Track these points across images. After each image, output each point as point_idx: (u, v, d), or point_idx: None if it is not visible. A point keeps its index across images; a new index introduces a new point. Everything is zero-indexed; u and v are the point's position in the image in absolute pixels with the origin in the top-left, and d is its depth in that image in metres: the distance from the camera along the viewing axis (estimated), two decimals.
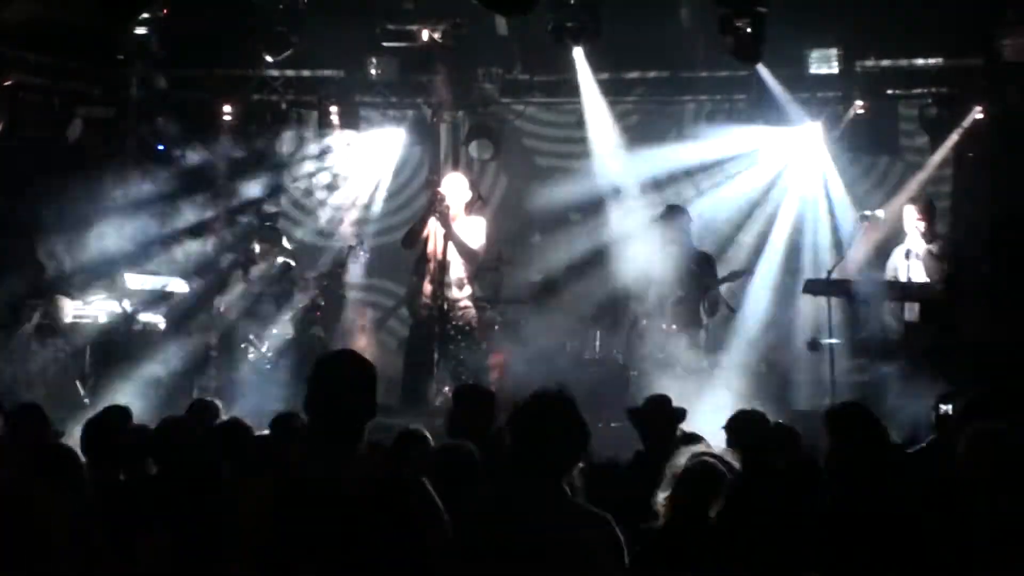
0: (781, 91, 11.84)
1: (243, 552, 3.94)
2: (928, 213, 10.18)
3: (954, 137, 11.73)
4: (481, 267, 10.96)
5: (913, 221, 10.14)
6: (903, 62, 11.86)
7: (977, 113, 11.57)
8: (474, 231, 10.43)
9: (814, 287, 10.70)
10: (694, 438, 6.09)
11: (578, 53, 11.65)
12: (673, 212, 10.97)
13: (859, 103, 11.80)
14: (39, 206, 11.35)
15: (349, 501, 3.90)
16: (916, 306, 9.98)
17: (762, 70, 11.53)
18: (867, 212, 10.70)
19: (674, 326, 10.65)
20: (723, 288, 11.19)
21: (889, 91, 11.96)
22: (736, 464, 4.91)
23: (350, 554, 3.85)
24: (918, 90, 12.03)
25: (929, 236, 10.11)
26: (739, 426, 6.17)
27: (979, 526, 4.22)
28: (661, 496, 4.96)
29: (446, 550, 3.93)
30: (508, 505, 4.03)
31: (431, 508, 4.00)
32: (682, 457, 5.01)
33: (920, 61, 11.83)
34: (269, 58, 11.94)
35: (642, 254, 11.02)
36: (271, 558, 3.87)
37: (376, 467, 4.09)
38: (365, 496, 3.91)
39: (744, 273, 11.38)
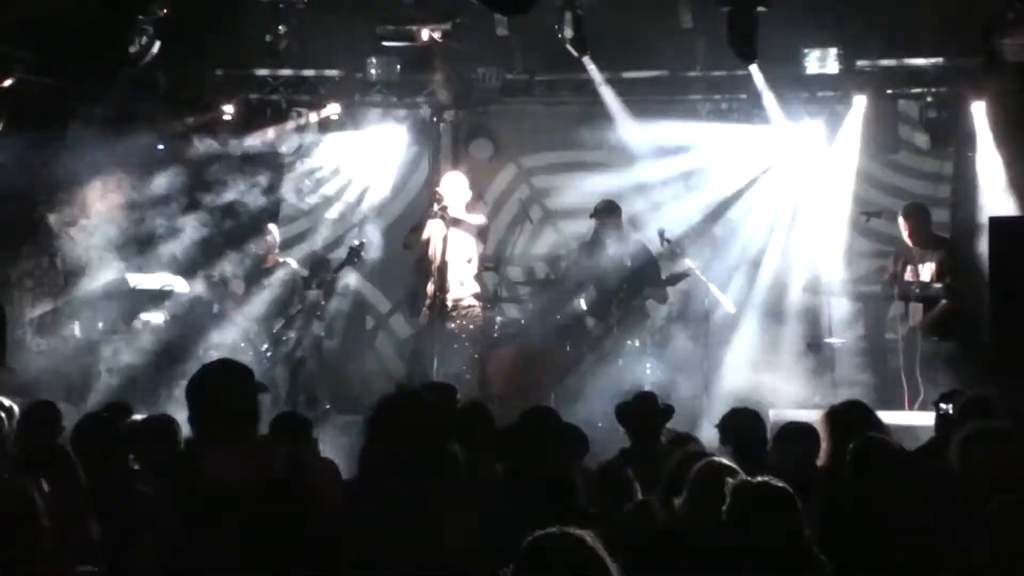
0: (775, 92, 11.88)
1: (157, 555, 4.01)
2: (922, 219, 10.16)
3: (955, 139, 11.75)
4: (481, 267, 10.98)
5: (908, 228, 10.14)
6: (903, 62, 11.85)
7: (978, 112, 11.56)
8: (474, 230, 10.46)
9: (813, 286, 10.71)
10: (686, 438, 6.10)
11: (587, 61, 11.69)
12: (607, 208, 10.99)
13: (860, 103, 11.80)
14: (40, 206, 11.36)
15: (239, 503, 3.94)
16: (918, 307, 9.99)
17: (755, 71, 11.54)
18: (867, 212, 10.72)
19: (617, 326, 10.68)
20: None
21: (889, 91, 11.96)
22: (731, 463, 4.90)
23: (243, 555, 3.89)
24: (918, 90, 12.02)
25: (925, 240, 10.10)
26: (733, 425, 6.17)
27: (977, 525, 4.22)
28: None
29: (333, 553, 3.98)
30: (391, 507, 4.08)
31: (319, 511, 4.04)
32: (675, 458, 5.00)
33: (920, 61, 11.82)
34: (269, 58, 11.94)
35: (586, 251, 11.12)
36: (179, 561, 3.93)
37: (265, 469, 4.12)
38: (255, 498, 3.95)
39: (684, 275, 11.18)
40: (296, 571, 3.95)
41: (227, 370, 4.46)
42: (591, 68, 11.78)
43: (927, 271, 9.88)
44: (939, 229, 11.17)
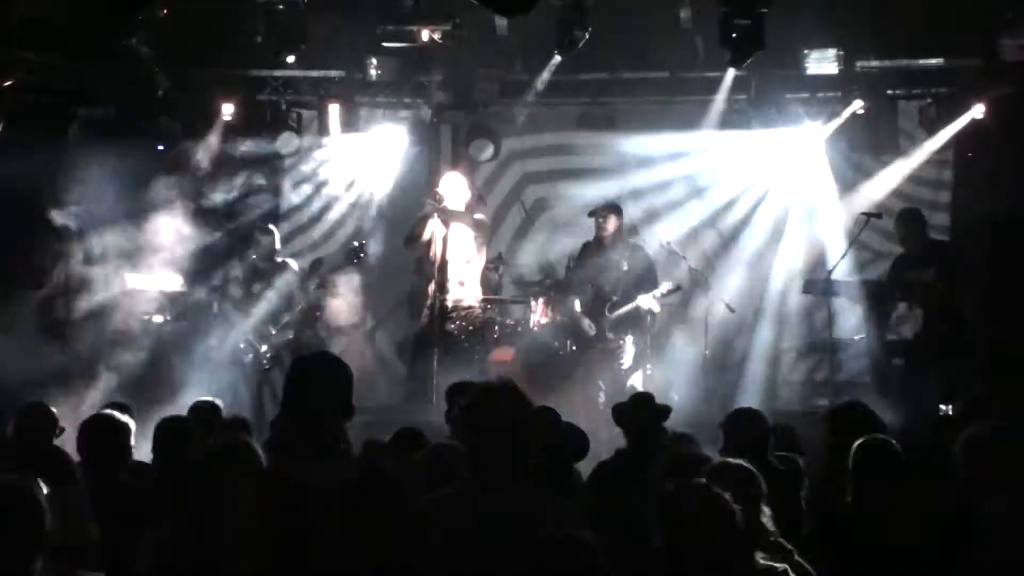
0: (775, 92, 11.88)
1: (239, 554, 3.96)
2: (914, 223, 10.13)
3: (948, 135, 11.74)
4: (482, 268, 10.98)
5: (900, 232, 10.13)
6: (903, 62, 11.86)
7: (977, 113, 11.57)
8: (475, 230, 10.48)
9: (814, 287, 10.71)
10: (685, 438, 6.10)
11: (555, 61, 11.68)
12: (607, 209, 10.96)
13: (859, 103, 11.81)
14: (41, 206, 11.36)
15: (324, 503, 3.91)
16: (919, 309, 9.98)
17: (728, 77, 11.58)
18: (867, 213, 10.71)
19: (611, 334, 10.66)
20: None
21: (889, 91, 11.97)
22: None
23: (327, 556, 3.86)
24: (918, 90, 12.03)
25: (920, 244, 10.07)
26: (736, 425, 6.17)
27: (978, 526, 4.22)
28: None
29: (425, 554, 3.93)
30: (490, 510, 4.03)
31: (408, 511, 3.99)
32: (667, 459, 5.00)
33: (920, 61, 11.83)
34: (270, 58, 11.94)
35: (585, 251, 11.10)
36: (259, 561, 3.89)
37: (353, 468, 4.08)
38: (340, 498, 3.92)
39: (678, 289, 10.99)
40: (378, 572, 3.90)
41: (325, 364, 4.40)
42: (551, 65, 11.76)
43: (928, 274, 9.87)
44: (939, 231, 11.17)
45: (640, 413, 6.54)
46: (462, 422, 4.29)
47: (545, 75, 11.86)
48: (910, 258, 10.00)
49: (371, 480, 3.98)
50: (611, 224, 10.83)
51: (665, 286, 10.74)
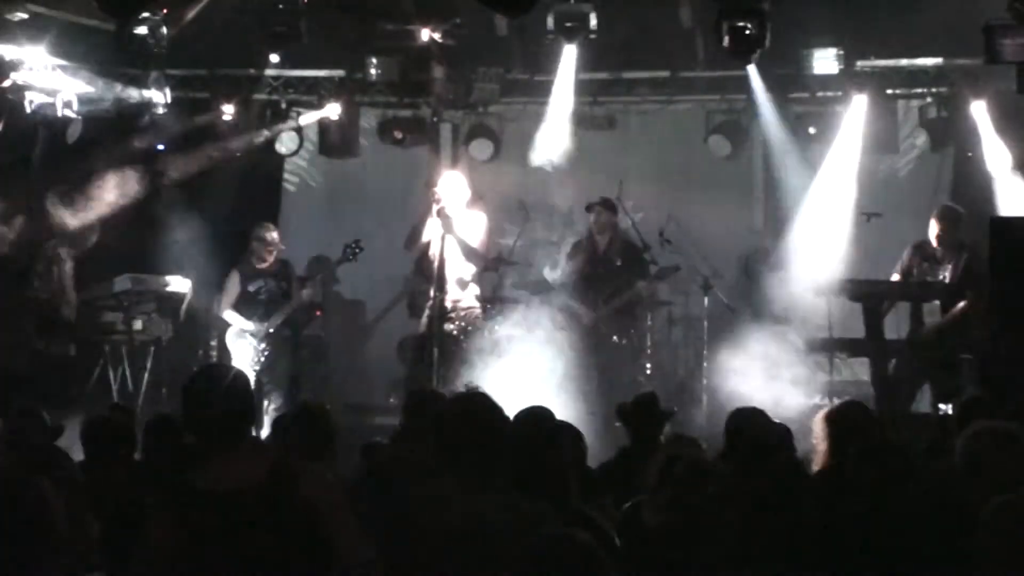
0: (775, 92, 11.89)
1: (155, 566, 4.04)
2: (956, 222, 10.03)
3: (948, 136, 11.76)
4: (482, 267, 10.97)
5: (940, 229, 10.01)
6: (903, 62, 11.87)
7: (977, 113, 11.57)
8: (475, 230, 10.45)
9: (814, 287, 10.69)
10: (685, 439, 6.10)
11: (569, 51, 11.65)
12: (602, 205, 10.97)
13: (859, 102, 11.81)
14: (40, 206, 11.36)
15: (236, 503, 3.97)
16: (931, 306, 9.94)
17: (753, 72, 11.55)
18: (867, 212, 10.70)
19: (607, 328, 10.67)
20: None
21: (889, 91, 11.97)
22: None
23: (248, 556, 3.92)
24: (918, 90, 12.04)
25: (951, 243, 9.98)
26: (739, 426, 6.16)
27: (978, 526, 4.22)
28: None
29: (354, 536, 4.01)
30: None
31: (326, 496, 4.07)
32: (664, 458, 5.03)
33: (920, 61, 11.84)
34: (270, 58, 11.95)
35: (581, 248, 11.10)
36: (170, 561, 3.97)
37: (259, 465, 4.14)
38: (252, 494, 3.98)
39: (676, 269, 11.11)
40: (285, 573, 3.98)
41: (218, 373, 4.48)
42: (567, 60, 11.77)
43: (946, 272, 9.82)
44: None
45: (642, 413, 6.56)
46: (433, 429, 4.41)
47: (570, 71, 11.90)
48: (933, 253, 9.89)
49: (280, 472, 4.04)
50: (605, 220, 10.84)
51: (662, 267, 10.81)
